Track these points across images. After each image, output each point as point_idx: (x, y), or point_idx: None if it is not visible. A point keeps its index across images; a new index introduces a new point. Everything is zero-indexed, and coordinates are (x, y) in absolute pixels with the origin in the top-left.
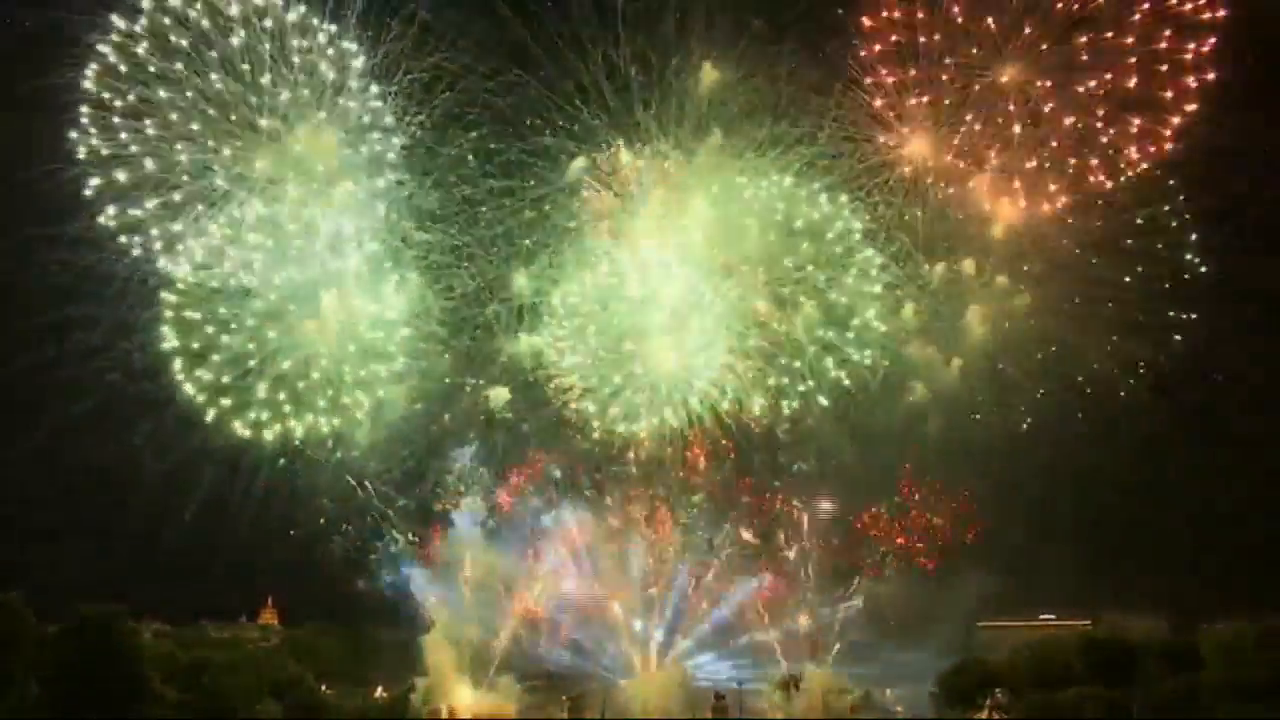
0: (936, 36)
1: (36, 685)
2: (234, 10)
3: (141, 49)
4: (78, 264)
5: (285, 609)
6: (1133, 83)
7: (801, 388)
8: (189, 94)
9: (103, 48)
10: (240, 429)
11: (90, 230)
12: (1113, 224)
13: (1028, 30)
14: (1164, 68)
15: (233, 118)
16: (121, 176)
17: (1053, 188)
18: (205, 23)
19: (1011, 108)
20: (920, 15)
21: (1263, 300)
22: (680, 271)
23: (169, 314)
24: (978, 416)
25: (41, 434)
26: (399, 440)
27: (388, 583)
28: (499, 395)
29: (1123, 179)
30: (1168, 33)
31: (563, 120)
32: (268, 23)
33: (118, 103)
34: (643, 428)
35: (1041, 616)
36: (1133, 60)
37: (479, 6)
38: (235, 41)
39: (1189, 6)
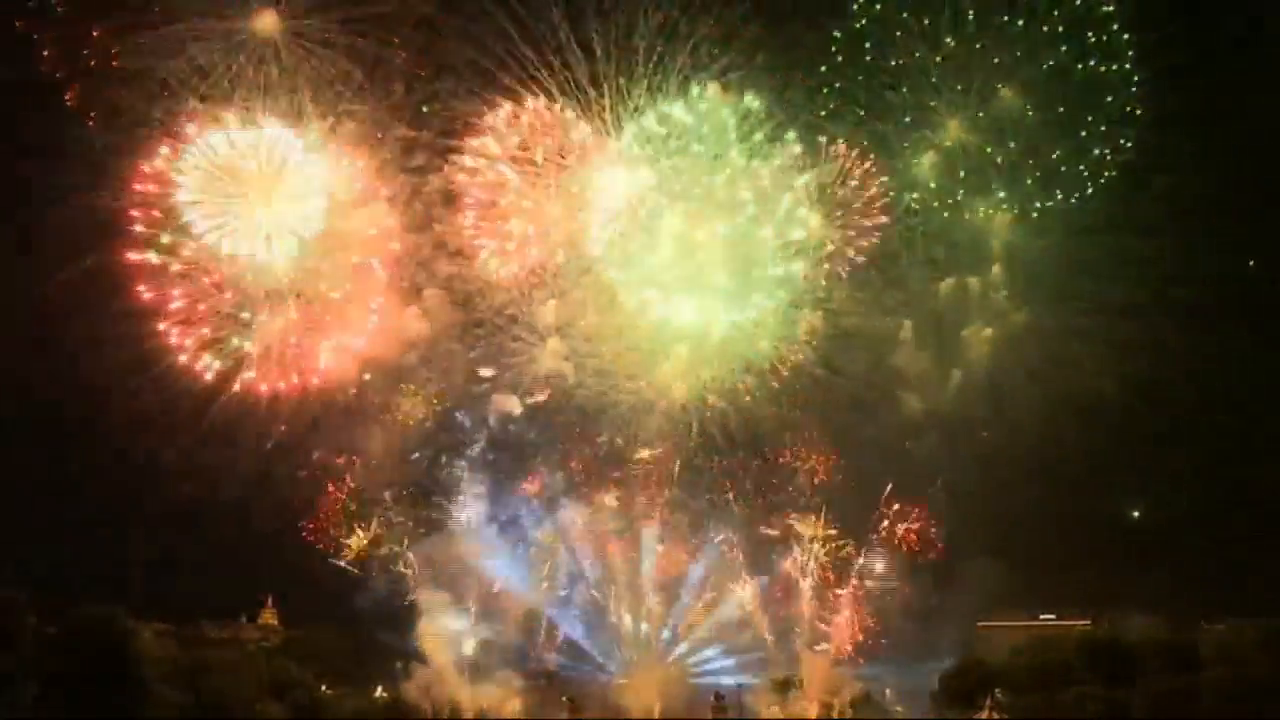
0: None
1: (36, 685)
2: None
3: None
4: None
5: (285, 609)
6: None
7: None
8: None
9: None
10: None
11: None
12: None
13: None
14: None
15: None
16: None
17: None
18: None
19: None
20: None
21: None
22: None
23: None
24: (985, 434)
25: (44, 437)
26: (409, 445)
27: (389, 583)
28: (509, 404)
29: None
30: None
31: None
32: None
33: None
34: (649, 437)
35: (1041, 616)
36: None
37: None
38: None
39: None
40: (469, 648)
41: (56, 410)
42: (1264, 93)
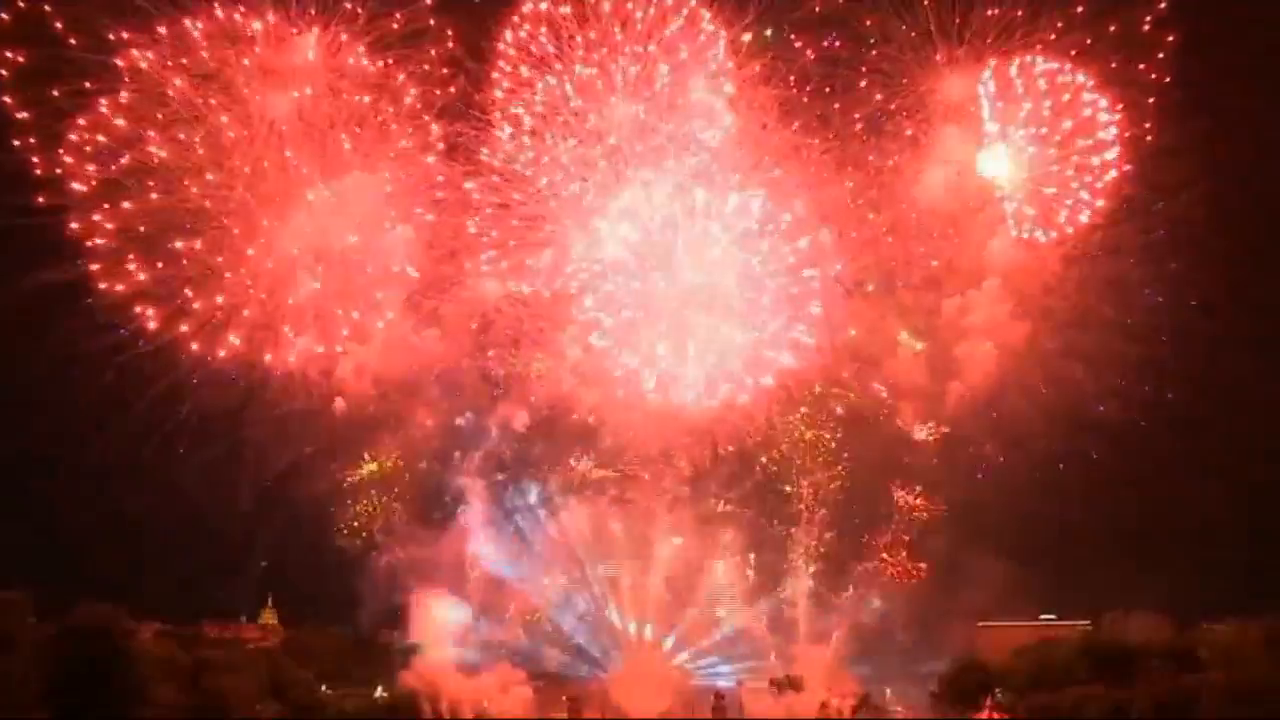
0: None
1: (36, 685)
2: None
3: None
4: None
5: (285, 609)
6: None
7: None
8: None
9: None
10: None
11: None
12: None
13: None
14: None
15: None
16: None
17: None
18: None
19: None
20: None
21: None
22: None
23: None
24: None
25: (44, 435)
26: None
27: (389, 583)
28: (517, 417)
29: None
30: None
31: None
32: None
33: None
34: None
35: (1041, 616)
36: None
37: None
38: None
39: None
40: (469, 648)
41: (60, 412)
42: (1263, 118)
